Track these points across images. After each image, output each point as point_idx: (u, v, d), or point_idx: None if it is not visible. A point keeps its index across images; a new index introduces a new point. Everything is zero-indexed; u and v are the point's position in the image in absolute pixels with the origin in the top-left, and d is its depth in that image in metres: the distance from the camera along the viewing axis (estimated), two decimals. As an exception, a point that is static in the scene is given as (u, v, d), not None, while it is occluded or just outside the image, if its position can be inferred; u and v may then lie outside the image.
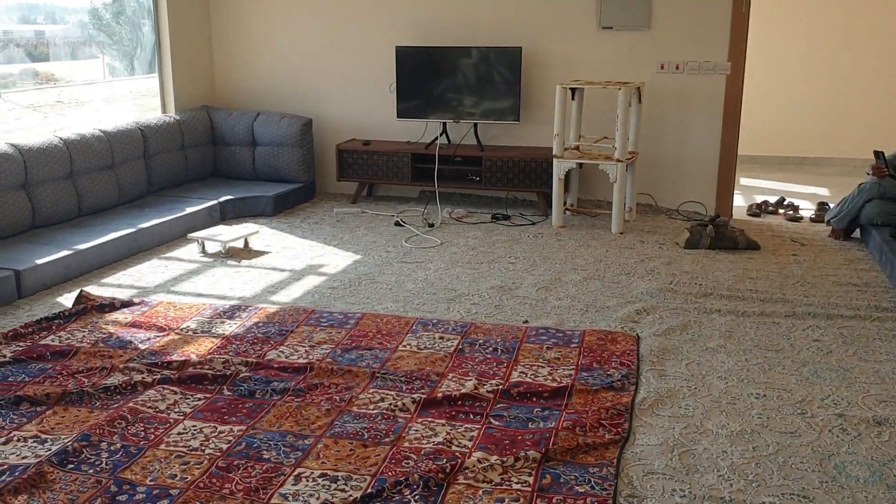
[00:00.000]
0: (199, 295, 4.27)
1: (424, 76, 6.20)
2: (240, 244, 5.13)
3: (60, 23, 6.43)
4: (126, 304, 4.05)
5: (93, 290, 4.31)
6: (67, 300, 4.15)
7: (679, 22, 5.85)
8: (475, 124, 6.24)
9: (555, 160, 5.56)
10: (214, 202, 5.71)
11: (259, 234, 5.32)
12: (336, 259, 4.91)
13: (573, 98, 5.77)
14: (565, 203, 5.88)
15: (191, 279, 4.53)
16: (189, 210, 5.46)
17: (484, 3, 6.15)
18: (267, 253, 5.05)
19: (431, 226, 5.70)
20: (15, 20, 6.14)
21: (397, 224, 5.74)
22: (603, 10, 5.96)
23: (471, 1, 6.17)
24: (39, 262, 4.27)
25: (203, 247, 5.05)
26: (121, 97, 6.75)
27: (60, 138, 5.16)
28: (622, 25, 5.96)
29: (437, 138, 6.29)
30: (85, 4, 6.27)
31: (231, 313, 3.95)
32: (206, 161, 6.49)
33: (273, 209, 5.98)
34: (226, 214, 5.82)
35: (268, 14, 6.64)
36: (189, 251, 5.07)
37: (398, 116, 6.33)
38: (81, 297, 4.08)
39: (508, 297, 4.23)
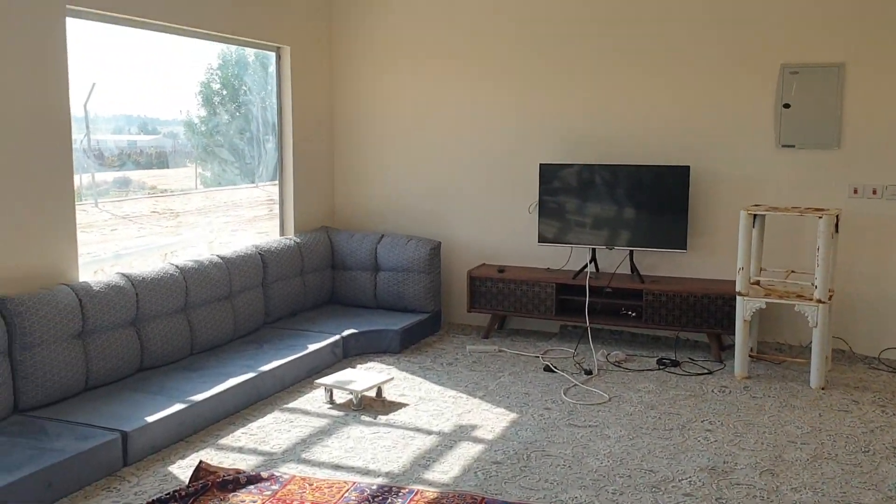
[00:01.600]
0: (337, 467, 3.48)
1: (572, 196, 5.50)
2: (371, 392, 4.38)
3: (153, 133, 6.04)
4: (253, 478, 3.29)
5: (211, 454, 3.58)
6: (181, 470, 3.42)
7: (876, 140, 5.03)
8: (630, 252, 5.46)
9: (739, 298, 4.69)
10: (337, 337, 5.02)
11: (393, 380, 4.55)
12: (488, 418, 4.09)
13: (753, 225, 4.95)
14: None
15: (323, 441, 3.76)
16: (311, 347, 4.77)
17: (644, 116, 5.48)
18: (404, 405, 4.27)
19: (589, 373, 4.85)
20: (110, 130, 5.78)
21: (547, 369, 4.92)
22: (783, 126, 5.19)
23: (627, 113, 5.51)
24: (150, 419, 3.58)
25: (331, 395, 4.31)
26: (215, 207, 6.34)
27: (176, 266, 4.58)
28: (806, 143, 5.17)
29: (585, 266, 5.53)
30: (180, 116, 5.90)
31: (382, 498, 3.14)
32: (325, 287, 5.85)
33: (400, 345, 5.24)
34: (348, 351, 5.11)
35: (395, 130, 6.12)
36: (314, 400, 4.33)
37: (539, 241, 5.60)
38: (200, 471, 3.34)
39: (726, 483, 3.31)
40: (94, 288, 4.01)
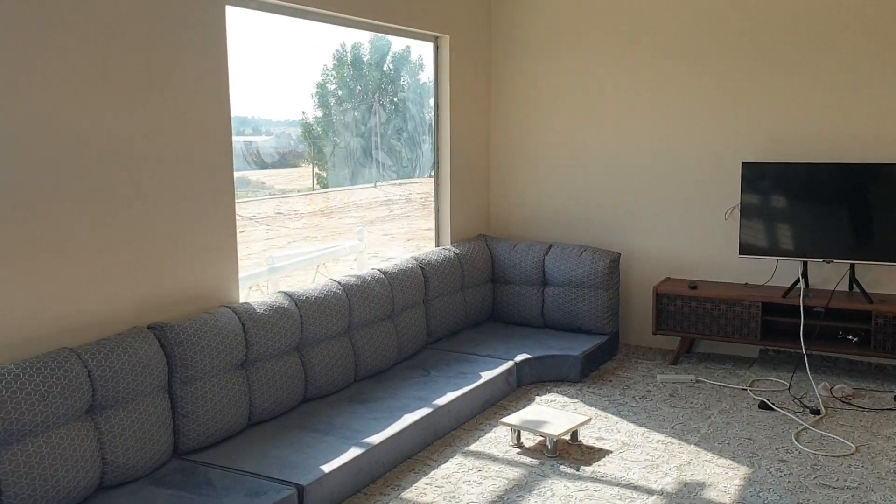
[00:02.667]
0: (551, 537, 2.86)
1: (781, 200, 4.69)
2: (566, 435, 3.73)
3: (267, 134, 5.65)
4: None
5: (395, 513, 3.03)
6: (366, 533, 2.88)
7: None
8: (852, 266, 4.61)
9: None
10: (510, 364, 4.41)
11: (590, 422, 3.88)
12: (715, 473, 3.38)
13: None
14: None
15: (524, 499, 3.15)
16: (484, 376, 4.18)
17: (871, 108, 4.61)
18: (606, 452, 3.60)
19: (816, 412, 4.05)
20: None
21: (763, 406, 4.14)
22: None
23: (849, 105, 4.65)
24: (326, 468, 3.05)
25: (518, 437, 3.70)
26: (338, 210, 5.98)
27: (338, 283, 4.08)
28: None
29: (797, 283, 4.71)
30: (296, 117, 5.47)
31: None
32: (485, 303, 5.26)
33: (580, 373, 4.58)
34: (522, 378, 4.49)
35: (562, 126, 5.46)
36: (498, 442, 3.73)
37: (741, 252, 4.81)
38: (393, 540, 2.79)
39: None
40: (258, 310, 3.53)
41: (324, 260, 5.27)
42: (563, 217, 5.51)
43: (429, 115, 5.38)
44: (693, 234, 5.13)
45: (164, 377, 3.10)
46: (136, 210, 3.15)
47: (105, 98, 2.99)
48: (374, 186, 6.78)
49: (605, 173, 5.35)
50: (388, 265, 4.51)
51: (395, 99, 5.89)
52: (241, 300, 3.69)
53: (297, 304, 3.76)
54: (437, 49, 5.23)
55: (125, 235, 3.11)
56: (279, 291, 3.81)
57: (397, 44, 5.59)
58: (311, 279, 5.20)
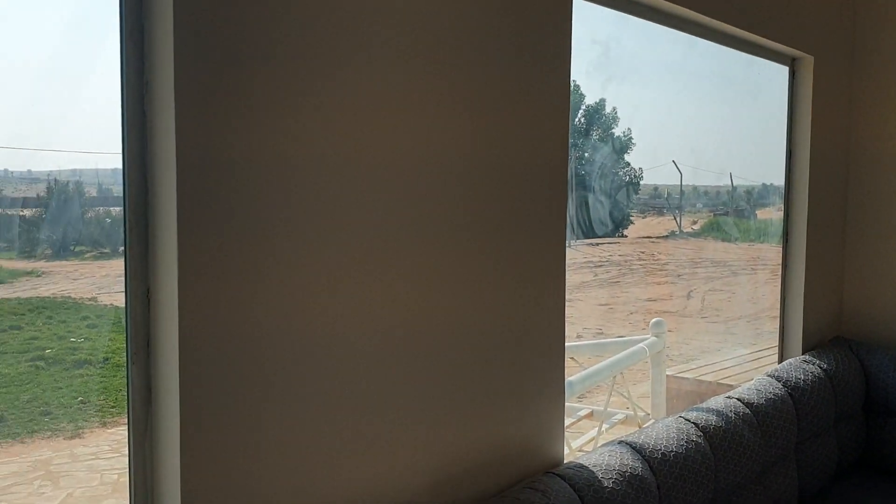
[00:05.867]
0: None
1: None
2: None
3: None
4: None
5: None
6: None
7: None
8: None
9: None
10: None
11: None
12: None
13: None
14: None
15: None
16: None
17: None
18: None
19: None
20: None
21: None
22: None
23: None
24: None
25: None
26: None
27: (693, 424, 2.61)
28: None
29: None
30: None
31: None
32: (857, 444, 3.58)
33: None
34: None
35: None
36: None
37: None
38: None
39: None
40: (604, 483, 2.13)
41: (619, 368, 3.81)
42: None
43: (623, 171, 4.09)
44: None
45: None
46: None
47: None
48: (569, 246, 5.40)
49: None
50: (747, 393, 2.99)
51: (586, 154, 5.21)
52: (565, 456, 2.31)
53: (650, 466, 2.32)
54: (792, 75, 3.71)
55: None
56: (620, 442, 2.39)
57: (591, 95, 4.67)
58: (606, 401, 3.76)
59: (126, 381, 1.47)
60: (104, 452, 4.85)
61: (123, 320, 1.46)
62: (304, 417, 1.56)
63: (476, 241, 1.93)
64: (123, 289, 1.44)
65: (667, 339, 4.30)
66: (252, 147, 1.45)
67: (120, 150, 1.40)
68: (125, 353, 1.44)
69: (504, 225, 2.01)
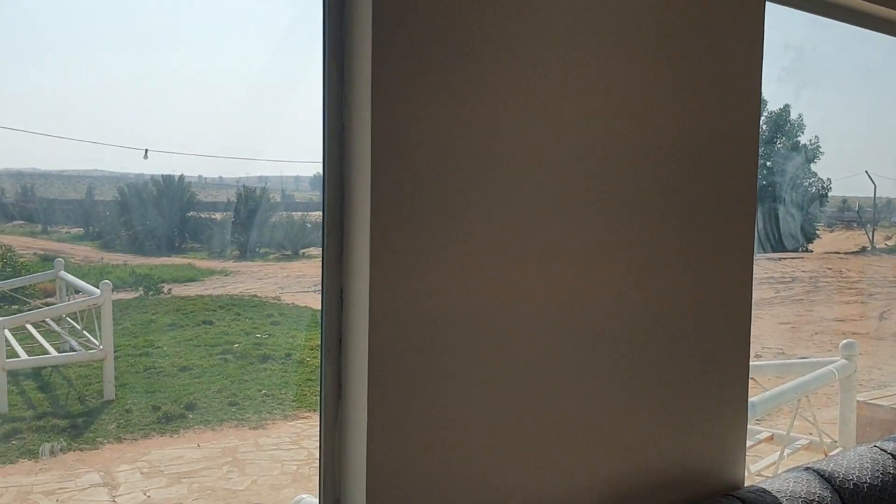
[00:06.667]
0: None
1: None
2: None
3: None
4: None
5: None
6: None
7: None
8: None
9: None
10: None
11: None
12: None
13: None
14: None
15: None
16: None
17: None
18: None
19: None
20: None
21: None
22: None
23: None
24: None
25: None
26: None
27: (888, 454, 2.41)
28: None
29: None
30: None
31: None
32: None
33: None
34: None
35: None
36: None
37: None
38: None
39: None
40: (791, 513, 2.01)
41: (805, 391, 3.58)
42: None
43: (809, 182, 3.65)
44: None
45: None
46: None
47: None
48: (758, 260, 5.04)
49: None
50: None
51: (769, 163, 4.73)
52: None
53: (840, 497, 2.16)
54: None
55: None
56: (806, 468, 2.25)
57: (780, 101, 4.13)
58: (789, 425, 3.55)
59: (319, 375, 1.56)
60: (285, 444, 5.18)
61: (319, 319, 1.55)
62: (484, 415, 1.59)
63: (667, 245, 1.88)
64: (319, 289, 1.53)
65: (858, 363, 3.98)
66: (441, 152, 1.51)
67: (320, 159, 1.50)
68: (320, 350, 1.54)
69: (692, 232, 1.96)
